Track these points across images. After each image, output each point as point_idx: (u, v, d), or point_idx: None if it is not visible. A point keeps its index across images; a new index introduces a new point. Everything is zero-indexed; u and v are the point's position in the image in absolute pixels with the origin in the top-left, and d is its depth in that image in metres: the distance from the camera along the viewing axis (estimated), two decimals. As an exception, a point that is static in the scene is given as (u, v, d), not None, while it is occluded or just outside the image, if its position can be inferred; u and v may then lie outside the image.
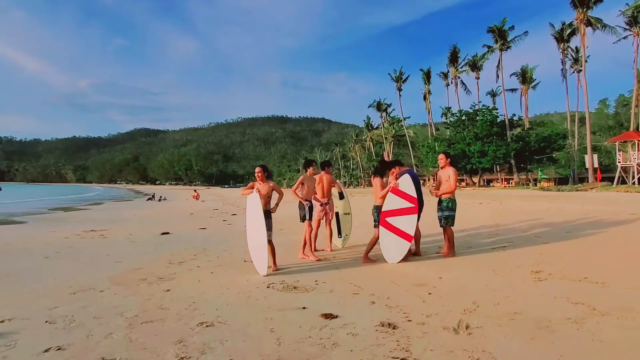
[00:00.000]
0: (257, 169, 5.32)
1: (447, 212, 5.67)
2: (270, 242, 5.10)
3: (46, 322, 3.21)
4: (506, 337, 2.79)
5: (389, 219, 5.34)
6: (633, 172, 28.21)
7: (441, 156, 5.89)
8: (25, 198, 36.10)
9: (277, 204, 5.43)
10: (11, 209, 20.20)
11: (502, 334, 2.84)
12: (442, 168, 5.87)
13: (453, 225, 5.75)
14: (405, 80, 54.57)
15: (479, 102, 47.22)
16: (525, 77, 47.08)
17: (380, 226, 5.40)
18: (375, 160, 64.49)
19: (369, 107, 64.16)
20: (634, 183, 27.21)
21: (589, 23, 32.79)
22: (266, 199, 5.21)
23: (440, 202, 5.80)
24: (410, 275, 4.65)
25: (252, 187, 5.21)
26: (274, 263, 5.08)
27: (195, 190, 39.00)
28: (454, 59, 47.88)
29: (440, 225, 5.80)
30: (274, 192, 5.32)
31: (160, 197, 35.79)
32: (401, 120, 57.37)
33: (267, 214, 5.17)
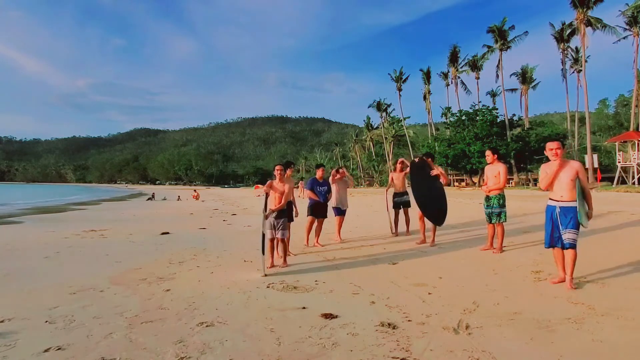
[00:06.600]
0: (277, 167, 5.40)
1: (498, 208, 5.76)
2: (282, 240, 5.25)
3: (46, 322, 3.21)
4: (506, 337, 2.79)
5: None
6: (633, 172, 28.20)
7: (488, 152, 5.93)
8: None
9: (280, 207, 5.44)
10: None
11: (502, 334, 2.84)
12: (490, 164, 5.88)
13: (505, 222, 5.85)
14: (405, 80, 54.50)
15: (479, 102, 46.99)
16: (525, 77, 46.96)
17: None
18: (375, 160, 64.51)
19: (369, 107, 64.09)
20: (634, 183, 27.20)
21: (589, 23, 32.74)
22: (281, 198, 5.27)
23: (488, 198, 5.86)
24: (410, 275, 4.65)
25: (270, 186, 5.32)
26: (284, 260, 5.23)
27: (195, 190, 38.97)
28: (454, 59, 47.81)
29: (490, 222, 5.90)
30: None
31: (180, 194, 34.77)
32: (401, 120, 57.32)
33: (282, 212, 5.27)
